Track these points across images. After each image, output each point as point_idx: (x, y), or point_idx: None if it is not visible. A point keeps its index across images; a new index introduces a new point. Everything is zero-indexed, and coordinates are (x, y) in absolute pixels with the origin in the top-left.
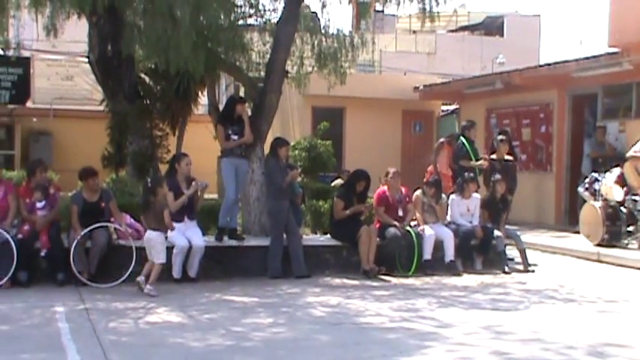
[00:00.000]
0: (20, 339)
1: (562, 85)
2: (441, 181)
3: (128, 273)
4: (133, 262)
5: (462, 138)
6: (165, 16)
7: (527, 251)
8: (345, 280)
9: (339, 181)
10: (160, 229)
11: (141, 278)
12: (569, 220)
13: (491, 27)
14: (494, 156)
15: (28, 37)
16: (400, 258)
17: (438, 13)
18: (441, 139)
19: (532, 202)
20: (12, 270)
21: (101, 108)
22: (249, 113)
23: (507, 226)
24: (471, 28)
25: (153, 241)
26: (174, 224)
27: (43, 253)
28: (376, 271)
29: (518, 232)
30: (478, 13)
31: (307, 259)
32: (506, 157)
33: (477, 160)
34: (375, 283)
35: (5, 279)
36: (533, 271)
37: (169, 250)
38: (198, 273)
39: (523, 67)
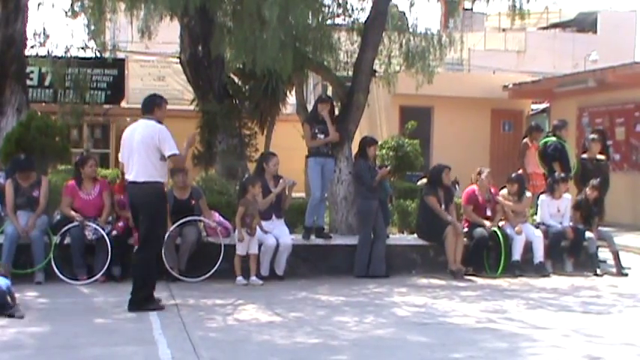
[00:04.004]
0: (114, 332)
1: None
2: (524, 179)
3: (215, 269)
4: (220, 259)
5: (553, 138)
6: (254, 16)
7: (621, 253)
8: (432, 280)
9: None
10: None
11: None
12: None
13: (584, 24)
14: (585, 155)
15: (122, 39)
16: (488, 258)
17: (528, 10)
18: (524, 140)
19: (626, 203)
20: (106, 265)
21: (191, 107)
22: (337, 112)
23: (600, 228)
24: (562, 25)
25: None
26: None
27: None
28: (463, 271)
29: (612, 234)
30: (570, 10)
31: (394, 258)
32: (599, 156)
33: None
34: (462, 284)
35: (100, 273)
36: (626, 275)
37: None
38: (286, 271)
39: (617, 65)
